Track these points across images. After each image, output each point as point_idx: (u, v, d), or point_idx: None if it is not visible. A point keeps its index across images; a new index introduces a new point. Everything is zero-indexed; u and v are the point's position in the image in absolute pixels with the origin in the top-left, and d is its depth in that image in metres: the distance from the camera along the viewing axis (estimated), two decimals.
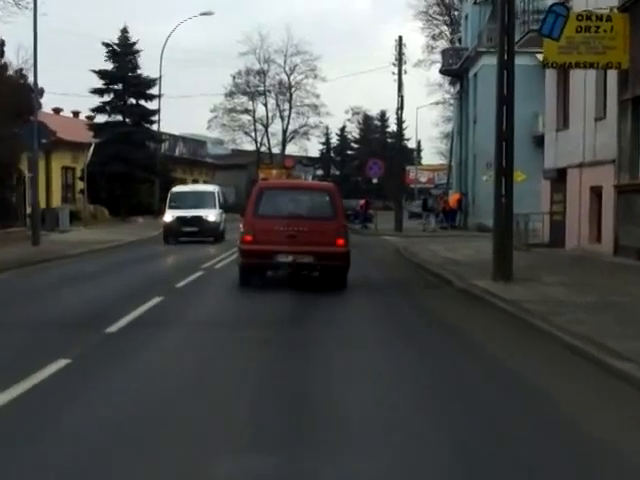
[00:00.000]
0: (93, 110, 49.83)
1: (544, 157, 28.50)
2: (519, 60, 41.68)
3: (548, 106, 28.38)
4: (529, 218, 27.26)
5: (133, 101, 50.64)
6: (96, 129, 49.54)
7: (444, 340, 10.30)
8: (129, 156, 48.17)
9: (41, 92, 33.99)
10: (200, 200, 32.57)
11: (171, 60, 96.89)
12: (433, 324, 11.83)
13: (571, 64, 19.76)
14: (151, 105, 50.85)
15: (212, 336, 10.19)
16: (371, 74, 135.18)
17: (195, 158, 78.23)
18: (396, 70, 45.14)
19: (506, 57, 15.75)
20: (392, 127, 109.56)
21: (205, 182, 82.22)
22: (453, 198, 47.48)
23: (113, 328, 10.23)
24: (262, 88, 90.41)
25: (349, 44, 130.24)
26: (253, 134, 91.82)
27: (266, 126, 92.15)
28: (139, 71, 50.35)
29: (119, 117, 50.45)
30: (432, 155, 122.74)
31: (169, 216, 31.89)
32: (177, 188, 35.42)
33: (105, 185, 49.64)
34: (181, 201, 32.48)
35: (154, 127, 51.73)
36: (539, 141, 41.64)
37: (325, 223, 15.12)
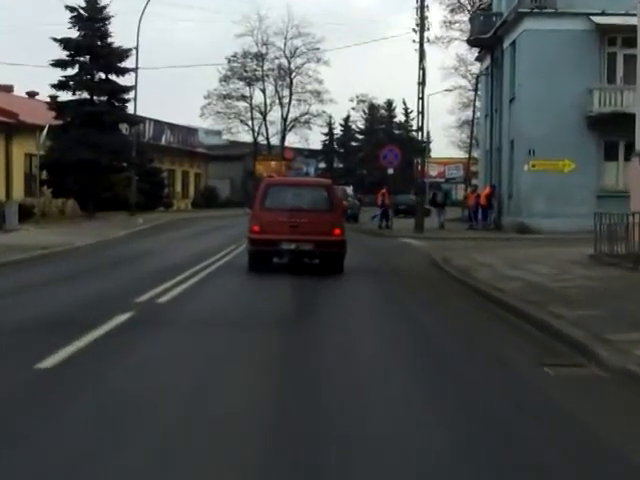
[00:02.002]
0: (54, 86, 41.73)
1: (635, 136, 20.55)
2: (566, 23, 34.12)
3: None
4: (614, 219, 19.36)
5: (102, 76, 42.57)
6: (58, 109, 41.65)
7: None
8: (97, 141, 40.32)
9: None
10: None
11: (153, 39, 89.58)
12: None
13: None
14: (125, 81, 42.88)
15: None
16: (378, 61, 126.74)
17: (185, 147, 70.54)
18: (414, 39, 37.49)
19: None
20: (399, 117, 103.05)
21: (197, 175, 75.20)
22: (483, 193, 39.67)
23: None
24: (260, 73, 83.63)
25: (355, 33, 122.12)
26: (250, 123, 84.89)
27: (264, 114, 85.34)
28: (110, 40, 42.26)
29: (86, 95, 42.38)
30: (442, 148, 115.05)
31: None
32: None
33: (70, 175, 42.01)
34: None
35: (129, 108, 43.91)
36: (593, 123, 34.01)
37: (323, 215, 16.71)
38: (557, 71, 33.71)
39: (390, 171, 38.58)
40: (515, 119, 36.36)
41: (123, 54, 41.93)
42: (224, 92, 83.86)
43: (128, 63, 42.39)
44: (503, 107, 39.06)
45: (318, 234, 16.29)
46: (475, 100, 57.89)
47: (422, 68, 37.17)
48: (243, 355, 8.41)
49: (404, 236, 33.95)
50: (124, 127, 45.72)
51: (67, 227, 35.89)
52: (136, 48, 41.54)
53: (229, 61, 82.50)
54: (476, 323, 10.95)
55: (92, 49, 41.51)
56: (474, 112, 57.78)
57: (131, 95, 42.64)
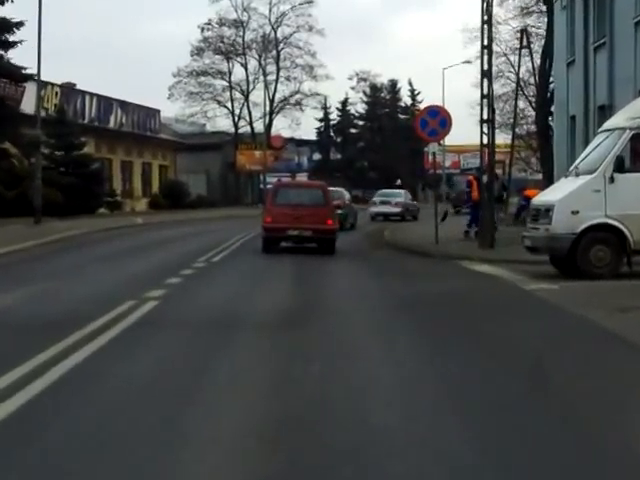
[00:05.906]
0: None
1: None
2: None
3: None
4: None
5: None
6: None
7: None
8: None
9: None
10: None
11: None
12: None
13: None
14: (9, 13, 27.82)
15: None
16: (378, 44, 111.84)
17: (144, 133, 55.64)
18: None
19: None
20: (405, 100, 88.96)
21: (162, 167, 60.35)
22: None
23: None
24: (240, 44, 69.35)
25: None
26: (229, 104, 70.83)
27: (246, 93, 70.74)
28: None
29: None
30: (457, 131, 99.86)
31: None
32: None
33: None
34: None
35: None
36: None
37: (319, 209, 21.58)
38: None
39: (433, 147, 23.48)
40: None
41: None
42: (197, 68, 70.01)
43: None
44: (615, 40, 23.96)
45: (315, 223, 20.99)
46: (520, 59, 44.90)
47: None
48: None
49: (467, 257, 19.06)
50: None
51: None
52: None
53: (202, 30, 68.48)
54: None
55: None
56: (518, 77, 44.12)
57: (22, 36, 27.65)
